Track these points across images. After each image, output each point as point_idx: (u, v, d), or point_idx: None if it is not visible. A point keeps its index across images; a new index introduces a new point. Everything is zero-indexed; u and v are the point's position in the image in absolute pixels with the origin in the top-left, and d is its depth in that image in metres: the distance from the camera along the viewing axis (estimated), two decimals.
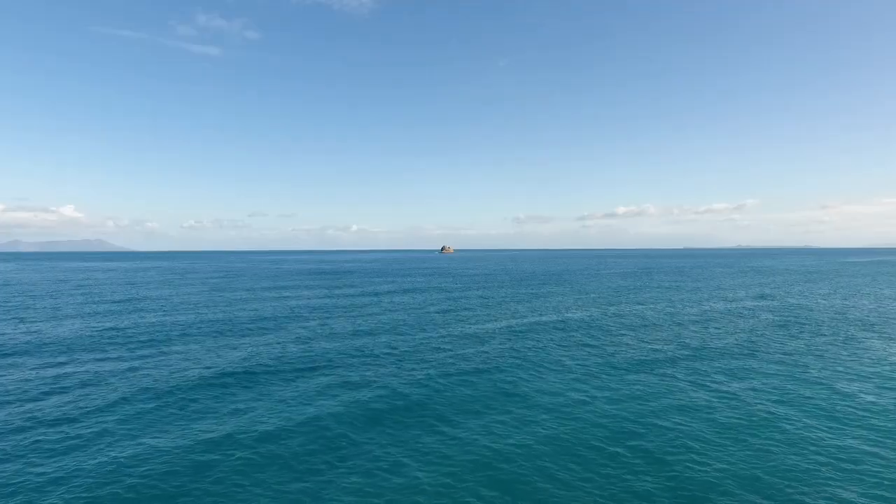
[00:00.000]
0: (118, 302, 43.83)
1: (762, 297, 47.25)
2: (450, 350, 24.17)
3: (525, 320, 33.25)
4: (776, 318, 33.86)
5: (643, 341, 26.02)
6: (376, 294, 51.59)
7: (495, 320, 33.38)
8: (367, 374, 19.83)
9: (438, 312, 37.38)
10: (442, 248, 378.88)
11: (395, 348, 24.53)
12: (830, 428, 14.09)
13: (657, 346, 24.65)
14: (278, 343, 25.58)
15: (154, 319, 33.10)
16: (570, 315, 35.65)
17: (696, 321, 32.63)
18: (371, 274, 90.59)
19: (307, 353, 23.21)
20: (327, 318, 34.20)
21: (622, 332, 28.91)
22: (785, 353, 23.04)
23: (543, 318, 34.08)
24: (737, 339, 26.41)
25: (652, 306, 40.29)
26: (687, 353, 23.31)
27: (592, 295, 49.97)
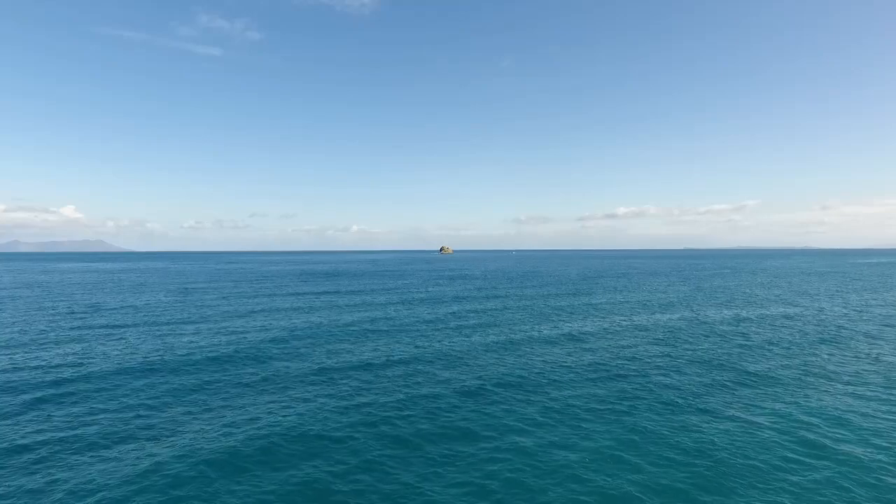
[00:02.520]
0: (66, 314, 37.91)
1: (855, 306, 41.43)
2: (495, 399, 18.27)
3: (588, 355, 27.17)
4: None
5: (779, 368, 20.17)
6: (369, 304, 45.75)
7: (540, 346, 27.38)
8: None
9: (455, 330, 31.47)
10: (441, 249, 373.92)
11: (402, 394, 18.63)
12: None
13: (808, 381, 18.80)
14: (235, 386, 19.69)
15: (85, 345, 27.21)
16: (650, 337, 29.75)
17: (828, 340, 26.74)
18: (365, 276, 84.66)
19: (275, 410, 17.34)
20: (299, 336, 28.33)
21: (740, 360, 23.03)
22: None
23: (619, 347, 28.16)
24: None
25: (731, 314, 34.47)
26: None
27: (654, 302, 44.13)
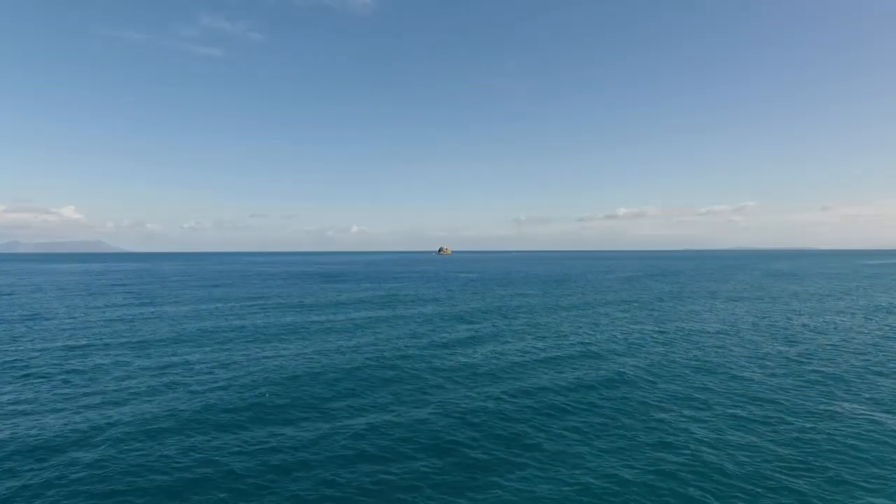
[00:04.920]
0: None
1: None
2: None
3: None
4: None
5: None
6: (351, 321, 39.57)
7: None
8: None
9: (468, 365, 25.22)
10: (439, 250, 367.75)
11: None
12: None
13: None
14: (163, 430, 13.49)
15: None
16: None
17: None
18: (356, 278, 78.29)
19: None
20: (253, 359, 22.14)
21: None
22: None
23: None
24: None
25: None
26: None
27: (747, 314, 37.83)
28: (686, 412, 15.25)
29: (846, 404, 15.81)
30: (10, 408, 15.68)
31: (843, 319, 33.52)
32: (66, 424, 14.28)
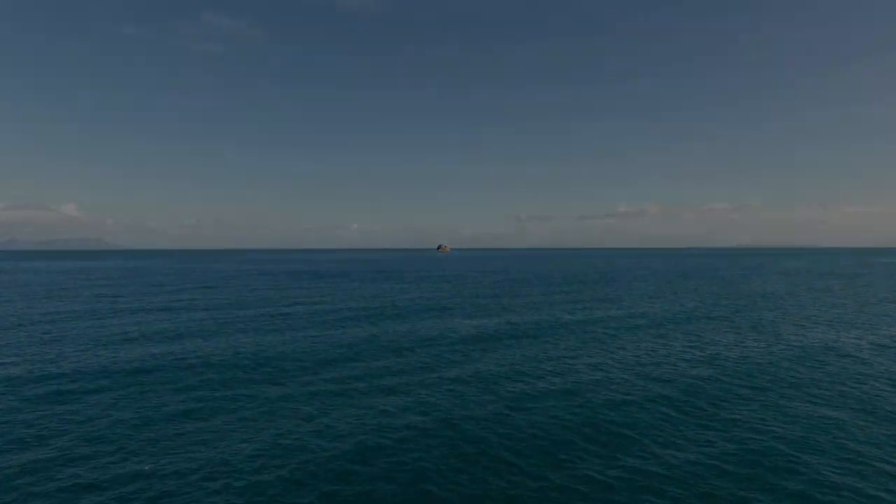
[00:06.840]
0: None
1: None
2: None
3: None
4: None
5: None
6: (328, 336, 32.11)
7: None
8: None
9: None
10: (438, 247, 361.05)
11: None
12: None
13: None
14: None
15: None
16: None
17: None
18: (355, 279, 70.60)
19: None
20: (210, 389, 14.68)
21: None
22: None
23: None
24: None
25: None
26: None
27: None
28: None
29: None
30: None
31: None
32: None
